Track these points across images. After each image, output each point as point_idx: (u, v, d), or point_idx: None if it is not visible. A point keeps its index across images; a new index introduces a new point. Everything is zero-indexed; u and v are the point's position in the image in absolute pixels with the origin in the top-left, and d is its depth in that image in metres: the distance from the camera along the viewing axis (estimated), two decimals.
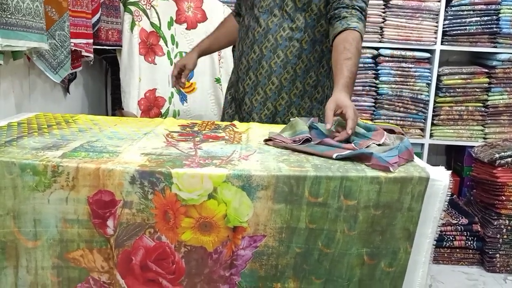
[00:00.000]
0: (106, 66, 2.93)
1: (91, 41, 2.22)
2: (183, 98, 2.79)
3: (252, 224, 1.07)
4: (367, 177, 1.06)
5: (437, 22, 3.03)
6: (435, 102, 3.12)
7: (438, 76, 3.08)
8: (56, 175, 1.04)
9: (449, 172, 1.09)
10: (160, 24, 2.70)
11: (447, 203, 1.10)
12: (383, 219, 1.08)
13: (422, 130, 3.16)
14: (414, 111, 3.12)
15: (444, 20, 3.01)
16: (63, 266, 1.10)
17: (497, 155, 2.54)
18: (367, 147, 1.20)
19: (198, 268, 1.09)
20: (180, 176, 1.04)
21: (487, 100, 3.10)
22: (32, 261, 1.10)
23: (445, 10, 3.01)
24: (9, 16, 1.47)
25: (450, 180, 1.09)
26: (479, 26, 3.01)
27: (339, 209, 1.07)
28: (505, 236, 2.57)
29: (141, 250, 1.08)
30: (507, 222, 2.56)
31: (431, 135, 3.16)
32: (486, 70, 3.06)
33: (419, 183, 1.07)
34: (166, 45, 2.74)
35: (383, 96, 3.10)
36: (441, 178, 1.08)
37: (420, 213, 1.09)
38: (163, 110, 2.73)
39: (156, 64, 2.72)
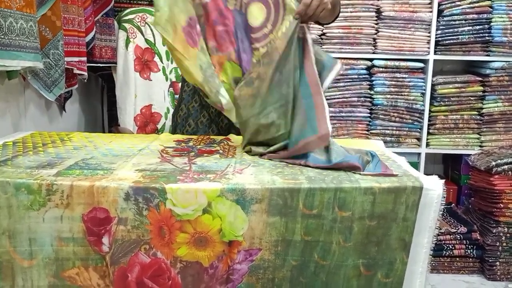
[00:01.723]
0: (102, 83, 2.95)
1: (84, 59, 2.23)
2: None
3: (248, 238, 1.07)
4: (360, 188, 1.06)
5: (429, 32, 3.05)
6: (430, 111, 3.13)
7: (432, 85, 3.09)
8: (51, 193, 1.05)
9: (443, 181, 1.10)
10: (154, 40, 2.72)
11: (441, 212, 1.11)
12: (378, 230, 1.08)
13: (418, 139, 3.17)
14: (410, 121, 3.13)
15: (437, 30, 3.04)
16: (59, 285, 1.10)
17: (493, 163, 2.55)
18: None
19: (194, 284, 1.09)
20: (174, 191, 1.04)
21: (482, 108, 3.11)
22: (28, 281, 1.09)
23: (437, 20, 3.03)
24: (2, 36, 1.48)
25: (444, 189, 1.09)
26: (472, 35, 3.03)
27: (334, 220, 1.07)
28: (504, 244, 2.56)
29: (136, 266, 1.08)
30: (506, 229, 2.55)
31: (427, 144, 3.17)
32: (480, 79, 3.08)
33: (413, 193, 1.07)
34: (161, 61, 2.75)
35: (378, 106, 3.11)
36: (434, 187, 1.08)
37: (415, 223, 1.09)
38: (159, 126, 2.74)
39: (151, 80, 2.73)
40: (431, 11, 3.03)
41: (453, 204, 3.03)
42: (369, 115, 3.13)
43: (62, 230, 1.06)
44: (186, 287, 1.09)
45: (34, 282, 1.09)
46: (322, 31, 3.06)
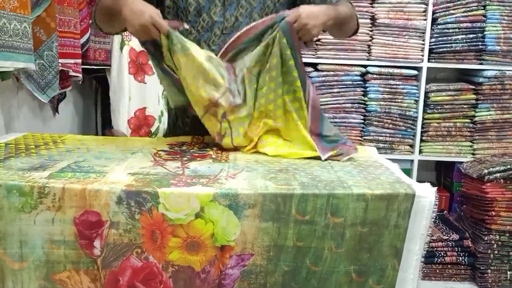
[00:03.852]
0: (96, 85, 2.94)
1: (79, 61, 2.23)
2: None
3: (240, 243, 1.06)
4: (353, 195, 1.06)
5: (423, 40, 3.07)
6: (423, 118, 3.15)
7: (426, 93, 3.11)
8: (43, 196, 1.04)
9: (435, 188, 1.10)
10: None
11: (433, 219, 1.11)
12: (370, 236, 1.08)
13: (411, 146, 3.18)
14: (403, 128, 3.15)
15: (431, 38, 3.06)
16: None
17: (485, 171, 2.56)
18: None
19: None
20: (167, 195, 1.04)
21: (475, 116, 3.13)
22: (18, 283, 1.08)
23: (431, 28, 3.06)
24: None
25: (436, 197, 1.09)
26: (465, 44, 3.05)
27: (326, 226, 1.07)
28: (495, 252, 2.58)
29: (128, 270, 1.07)
30: (497, 237, 2.57)
31: (420, 151, 3.18)
32: (473, 87, 3.11)
33: (405, 200, 1.07)
34: None
35: (372, 113, 3.12)
36: (427, 194, 1.08)
37: (407, 230, 1.09)
38: (153, 129, 2.73)
39: (146, 83, 2.73)
40: (425, 19, 3.05)
41: (445, 211, 3.05)
42: (362, 121, 3.14)
43: (53, 233, 1.06)
44: None
45: (24, 285, 1.08)
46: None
